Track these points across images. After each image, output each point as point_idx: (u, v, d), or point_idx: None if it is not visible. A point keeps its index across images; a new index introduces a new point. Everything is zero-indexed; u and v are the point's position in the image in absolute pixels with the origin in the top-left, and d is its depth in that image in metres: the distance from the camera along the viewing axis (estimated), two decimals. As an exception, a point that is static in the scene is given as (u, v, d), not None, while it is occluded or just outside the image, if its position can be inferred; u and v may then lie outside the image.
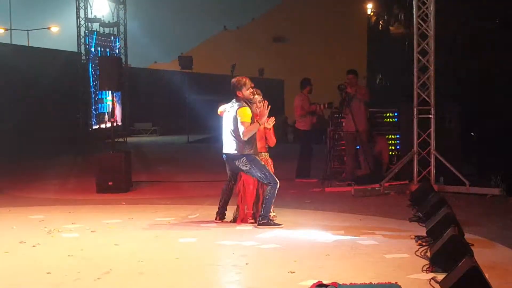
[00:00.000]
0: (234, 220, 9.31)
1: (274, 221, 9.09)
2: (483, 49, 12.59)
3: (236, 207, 9.39)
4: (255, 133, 9.10)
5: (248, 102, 9.14)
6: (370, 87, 16.72)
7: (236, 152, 9.06)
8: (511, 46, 11.48)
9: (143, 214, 10.26)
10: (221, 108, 9.37)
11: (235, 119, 9.02)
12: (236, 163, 9.09)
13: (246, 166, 9.03)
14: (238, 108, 9.02)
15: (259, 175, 9.02)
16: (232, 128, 9.07)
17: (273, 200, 9.04)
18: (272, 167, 9.38)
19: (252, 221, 9.17)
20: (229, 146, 9.15)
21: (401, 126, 14.25)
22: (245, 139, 8.95)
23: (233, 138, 9.08)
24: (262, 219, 8.93)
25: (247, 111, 8.99)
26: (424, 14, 12.36)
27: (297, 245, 7.84)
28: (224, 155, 9.29)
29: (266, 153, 9.45)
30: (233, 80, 9.32)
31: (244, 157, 9.02)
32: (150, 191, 13.23)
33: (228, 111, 9.18)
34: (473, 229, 8.30)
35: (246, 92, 9.12)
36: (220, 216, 9.43)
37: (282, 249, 7.58)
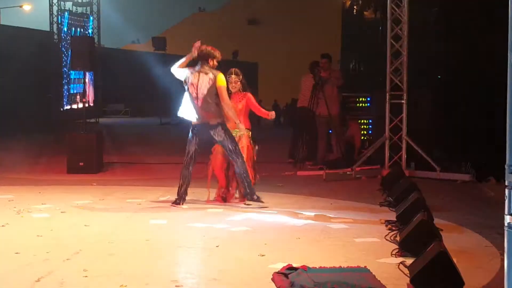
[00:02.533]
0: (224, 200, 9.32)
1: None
2: (454, 34, 12.66)
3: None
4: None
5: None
6: (343, 71, 16.73)
7: (210, 121, 8.85)
8: (484, 30, 11.57)
9: (114, 195, 10.22)
10: (186, 70, 9.03)
11: (213, 85, 8.82)
12: (211, 133, 8.88)
13: (221, 136, 8.85)
14: (218, 74, 8.87)
15: (231, 147, 8.86)
16: (207, 94, 8.81)
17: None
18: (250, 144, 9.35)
19: (237, 200, 9.21)
20: (204, 114, 8.86)
21: (374, 111, 14.31)
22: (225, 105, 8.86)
23: (209, 105, 8.84)
24: (252, 195, 8.91)
25: (223, 78, 8.91)
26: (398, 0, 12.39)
27: (267, 228, 7.85)
28: (194, 127, 9.00)
29: (247, 130, 9.36)
30: (208, 47, 9.07)
31: (219, 126, 8.85)
32: (122, 172, 13.18)
33: (198, 75, 8.91)
34: (442, 214, 8.37)
35: (214, 64, 9.02)
36: (183, 201, 9.16)
37: (253, 232, 7.59)
